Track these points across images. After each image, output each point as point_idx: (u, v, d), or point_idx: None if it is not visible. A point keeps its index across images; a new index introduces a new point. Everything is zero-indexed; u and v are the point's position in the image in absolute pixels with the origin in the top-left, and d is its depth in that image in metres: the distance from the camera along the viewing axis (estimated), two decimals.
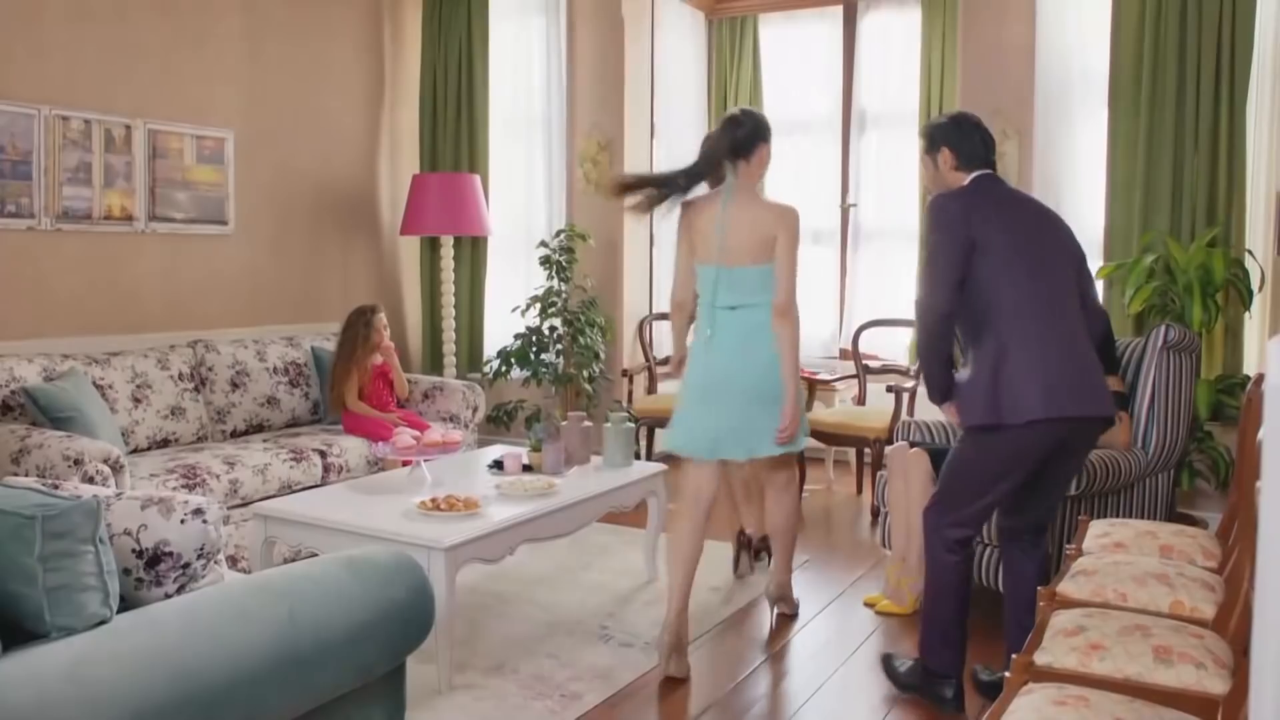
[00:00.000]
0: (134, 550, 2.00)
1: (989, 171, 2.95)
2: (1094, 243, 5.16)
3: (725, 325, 3.27)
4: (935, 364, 2.90)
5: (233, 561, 3.77)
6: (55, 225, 4.56)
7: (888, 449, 4.09)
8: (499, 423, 6.01)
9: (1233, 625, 2.27)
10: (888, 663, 3.20)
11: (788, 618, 3.76)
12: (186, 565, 2.04)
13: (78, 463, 3.64)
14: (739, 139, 3.28)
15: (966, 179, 2.95)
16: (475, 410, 5.36)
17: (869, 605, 3.88)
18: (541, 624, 3.62)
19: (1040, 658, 2.19)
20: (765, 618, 3.79)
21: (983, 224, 2.82)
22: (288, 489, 4.36)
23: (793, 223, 3.26)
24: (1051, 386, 2.74)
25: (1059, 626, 2.30)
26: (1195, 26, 4.59)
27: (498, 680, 3.15)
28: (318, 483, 4.51)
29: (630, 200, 3.35)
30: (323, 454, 4.62)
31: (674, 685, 3.18)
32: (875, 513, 5.12)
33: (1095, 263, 5.00)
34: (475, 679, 3.15)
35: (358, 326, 5.00)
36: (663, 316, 6.65)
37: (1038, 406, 2.73)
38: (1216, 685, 2.07)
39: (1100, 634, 2.20)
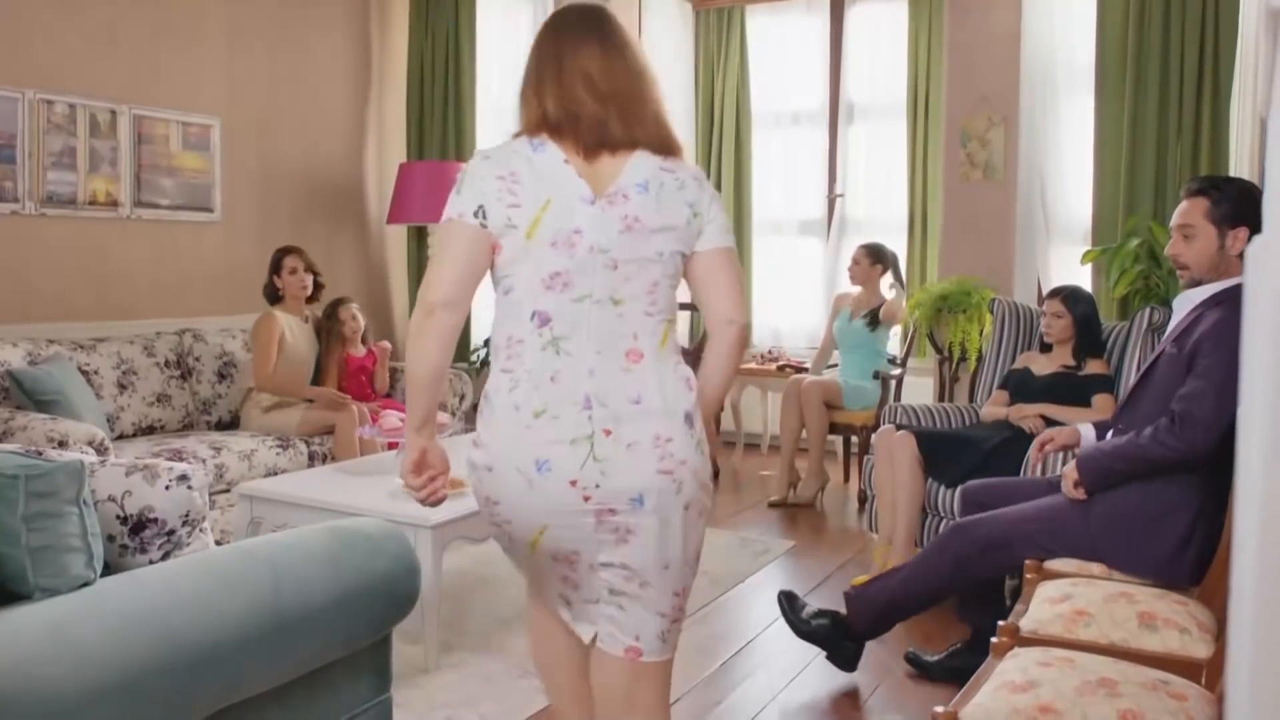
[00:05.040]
0: (118, 516, 1.98)
1: None
2: (1080, 228, 5.20)
3: None
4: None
5: (218, 545, 3.75)
6: (39, 210, 4.53)
7: (874, 433, 4.09)
8: None
9: (1217, 592, 2.29)
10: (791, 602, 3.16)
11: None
12: (171, 532, 2.03)
13: (63, 444, 3.61)
14: None
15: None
16: (462, 399, 5.35)
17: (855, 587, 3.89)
18: (528, 605, 3.61)
19: (1026, 624, 2.20)
20: (751, 600, 3.79)
21: None
22: (273, 475, 4.34)
23: None
24: None
25: (1045, 594, 2.31)
26: (1179, 14, 4.62)
27: (484, 659, 3.15)
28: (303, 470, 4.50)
29: None
30: (308, 441, 4.60)
31: None
32: (862, 500, 5.13)
33: (1081, 247, 5.05)
34: (462, 658, 3.15)
35: (324, 324, 4.97)
36: None
37: None
38: (1200, 650, 2.08)
39: (1086, 601, 2.22)
